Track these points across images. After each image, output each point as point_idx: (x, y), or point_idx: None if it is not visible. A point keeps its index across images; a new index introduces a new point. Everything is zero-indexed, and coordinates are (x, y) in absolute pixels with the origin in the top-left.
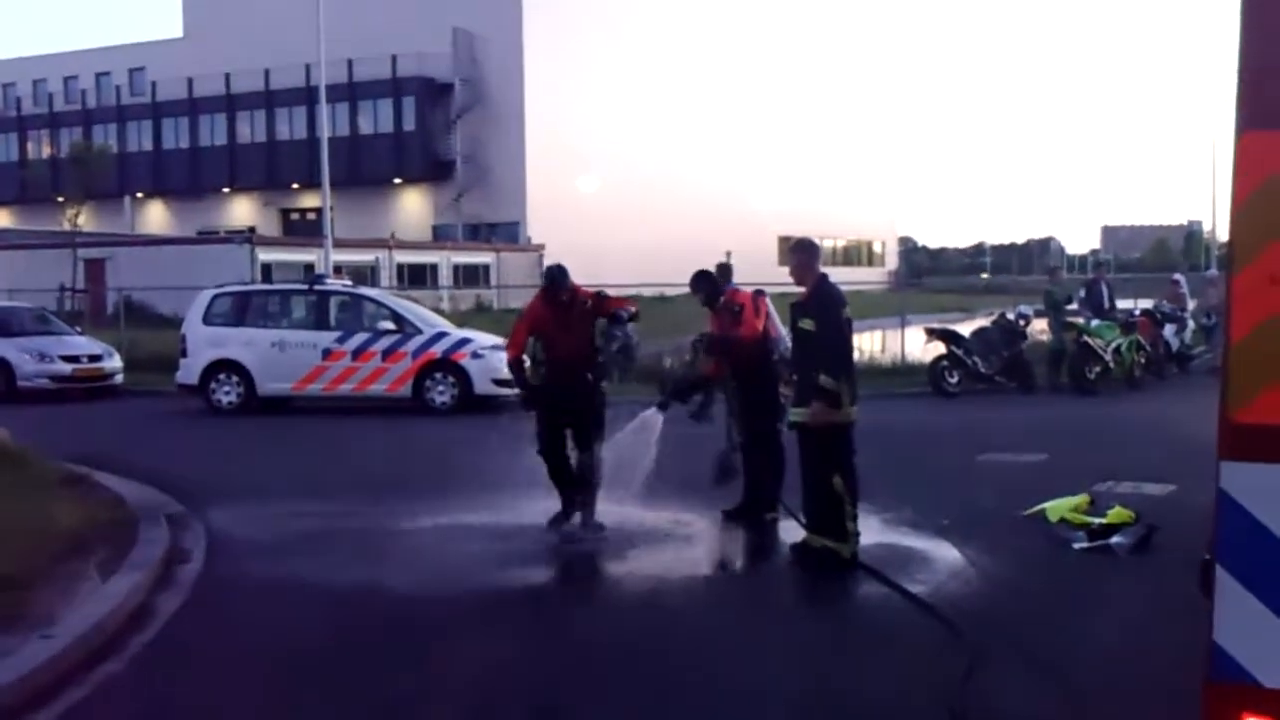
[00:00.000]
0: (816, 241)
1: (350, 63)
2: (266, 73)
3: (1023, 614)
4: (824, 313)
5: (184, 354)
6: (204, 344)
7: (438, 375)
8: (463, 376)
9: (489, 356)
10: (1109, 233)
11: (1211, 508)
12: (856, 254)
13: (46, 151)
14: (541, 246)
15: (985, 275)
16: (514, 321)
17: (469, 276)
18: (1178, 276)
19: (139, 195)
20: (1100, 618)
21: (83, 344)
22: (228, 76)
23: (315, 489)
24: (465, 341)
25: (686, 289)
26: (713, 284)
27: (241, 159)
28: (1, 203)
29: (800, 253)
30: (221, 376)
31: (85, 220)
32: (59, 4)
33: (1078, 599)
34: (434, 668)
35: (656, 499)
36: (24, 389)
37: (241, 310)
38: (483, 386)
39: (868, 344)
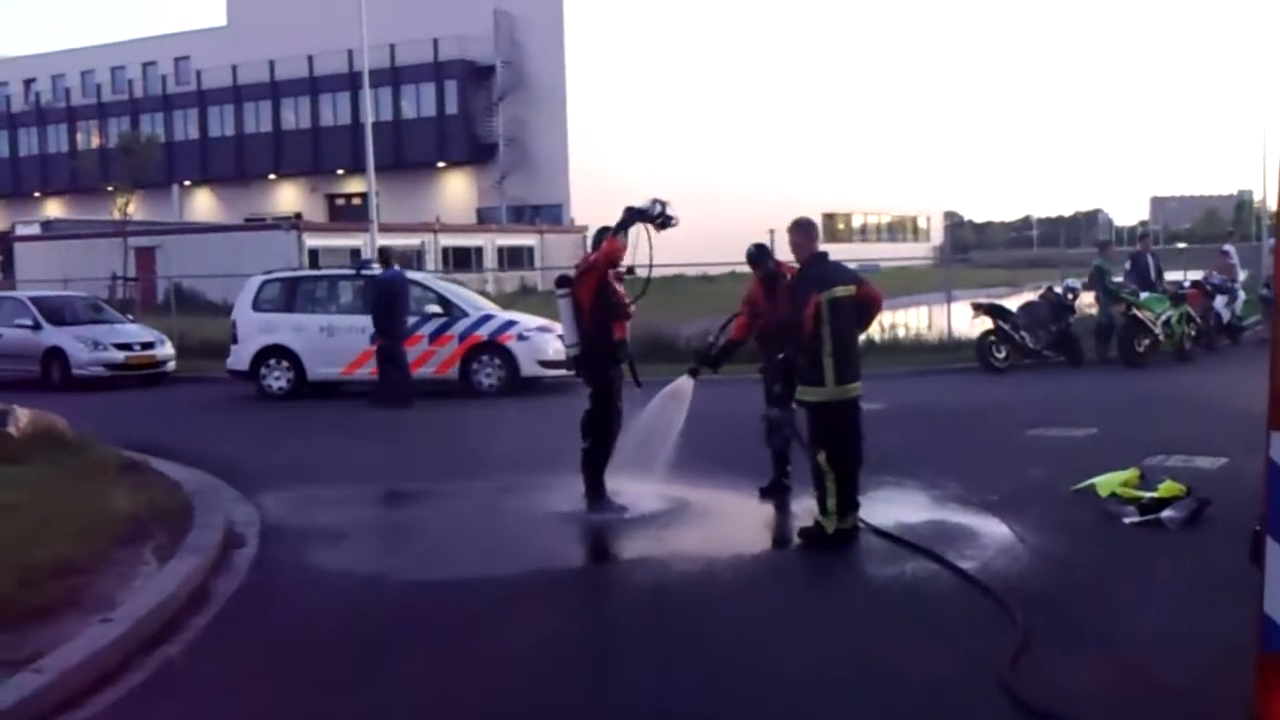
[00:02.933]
0: (813, 220)
1: (392, 47)
2: (310, 59)
3: (1073, 589)
4: (796, 293)
5: (234, 340)
6: (254, 330)
7: (484, 358)
8: (509, 358)
9: (534, 338)
10: (1158, 203)
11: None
12: (901, 229)
13: (96, 142)
14: (585, 228)
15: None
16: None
17: (513, 258)
18: (1227, 247)
19: (186, 183)
20: (1152, 592)
21: (135, 332)
22: (272, 64)
23: (367, 472)
24: (511, 324)
25: (729, 268)
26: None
27: (287, 145)
28: (53, 193)
29: (795, 231)
30: (272, 362)
31: (135, 209)
32: None
33: (1129, 574)
34: (485, 651)
35: (696, 473)
36: (79, 377)
37: (290, 296)
38: (529, 368)
39: (913, 320)
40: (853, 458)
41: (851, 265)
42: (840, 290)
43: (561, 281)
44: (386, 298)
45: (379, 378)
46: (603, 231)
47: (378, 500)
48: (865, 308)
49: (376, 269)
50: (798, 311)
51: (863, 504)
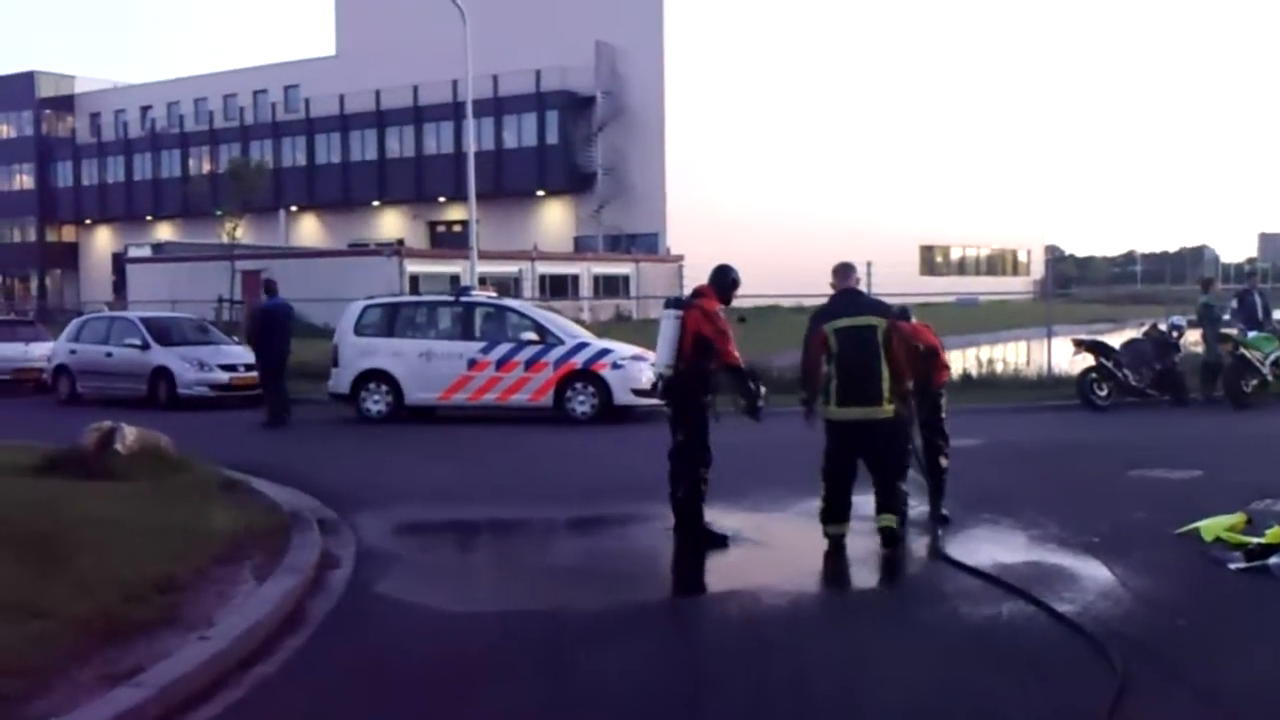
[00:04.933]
0: (850, 263)
1: (495, 78)
2: (415, 89)
3: (1175, 636)
4: (811, 324)
5: (335, 363)
6: (355, 354)
7: (578, 385)
8: (603, 386)
9: (629, 367)
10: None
11: None
12: (1000, 263)
13: (207, 167)
14: (681, 257)
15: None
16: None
17: (609, 287)
18: None
19: (293, 209)
20: (1258, 642)
21: (239, 353)
22: (378, 93)
23: (461, 497)
24: (606, 352)
25: (823, 300)
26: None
27: (390, 173)
28: (164, 217)
29: (832, 274)
30: (371, 385)
31: (242, 233)
32: (220, 26)
33: (1234, 622)
34: (577, 682)
35: (778, 502)
36: (184, 397)
37: (390, 321)
38: (622, 397)
39: (1012, 355)
40: (884, 469)
41: (949, 299)
42: (846, 321)
43: (675, 303)
44: (267, 324)
45: (264, 398)
46: (723, 270)
47: (470, 525)
48: (903, 340)
49: (476, 294)
50: (806, 340)
51: (948, 539)
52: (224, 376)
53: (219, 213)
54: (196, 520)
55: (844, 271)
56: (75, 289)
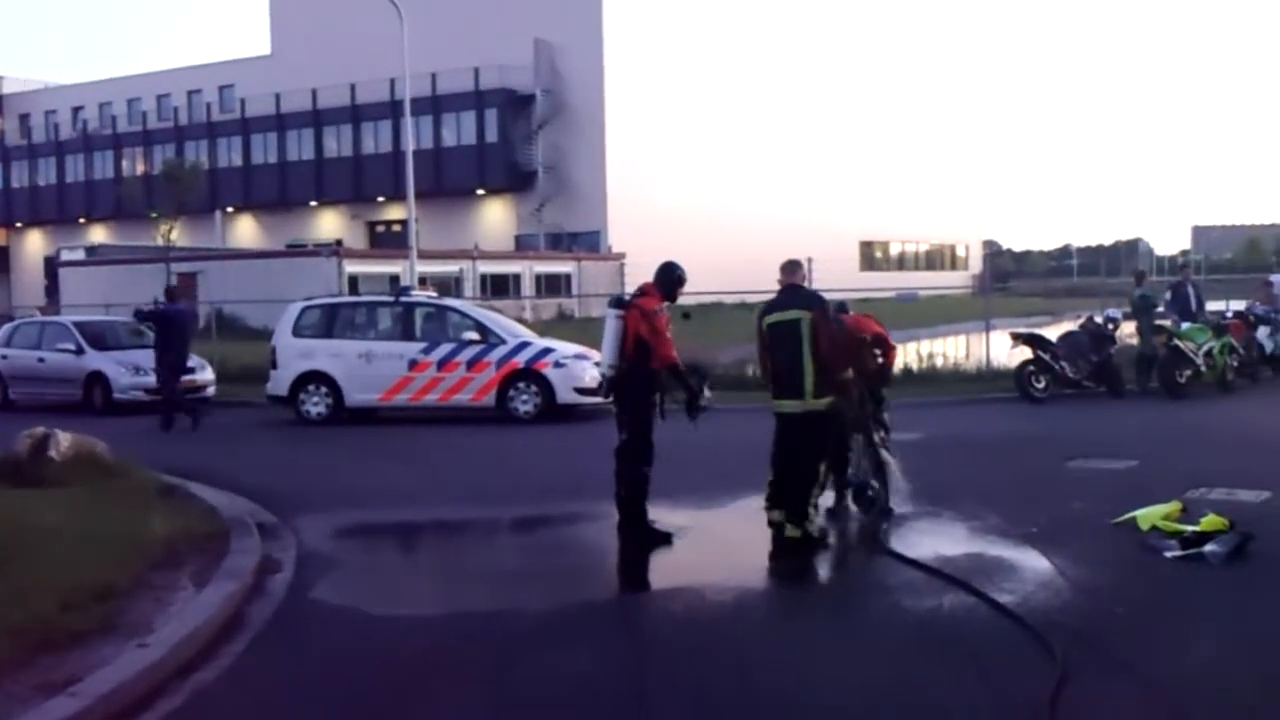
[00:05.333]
0: (796, 260)
1: (434, 76)
2: (352, 88)
3: (1114, 625)
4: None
5: (274, 366)
6: (293, 356)
7: (521, 384)
8: (545, 386)
9: (571, 365)
10: (1200, 233)
11: None
12: (939, 258)
13: (141, 168)
14: (622, 255)
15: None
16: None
17: (551, 286)
18: (1271, 277)
19: (229, 210)
20: (1194, 628)
21: None
22: (314, 92)
23: (403, 498)
24: (548, 351)
25: (765, 296)
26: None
27: (328, 173)
28: (98, 219)
29: (779, 269)
30: (310, 388)
31: (178, 235)
32: (152, 26)
33: (1171, 610)
34: (520, 683)
35: (723, 498)
36: (120, 401)
37: (330, 322)
38: (565, 395)
39: (952, 349)
40: (796, 468)
41: (888, 294)
42: (776, 315)
43: (618, 303)
44: (164, 329)
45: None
46: (668, 267)
47: (413, 527)
48: (835, 333)
49: (416, 295)
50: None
51: (891, 532)
52: None
53: (153, 215)
54: (134, 526)
55: (789, 268)
56: (6, 293)
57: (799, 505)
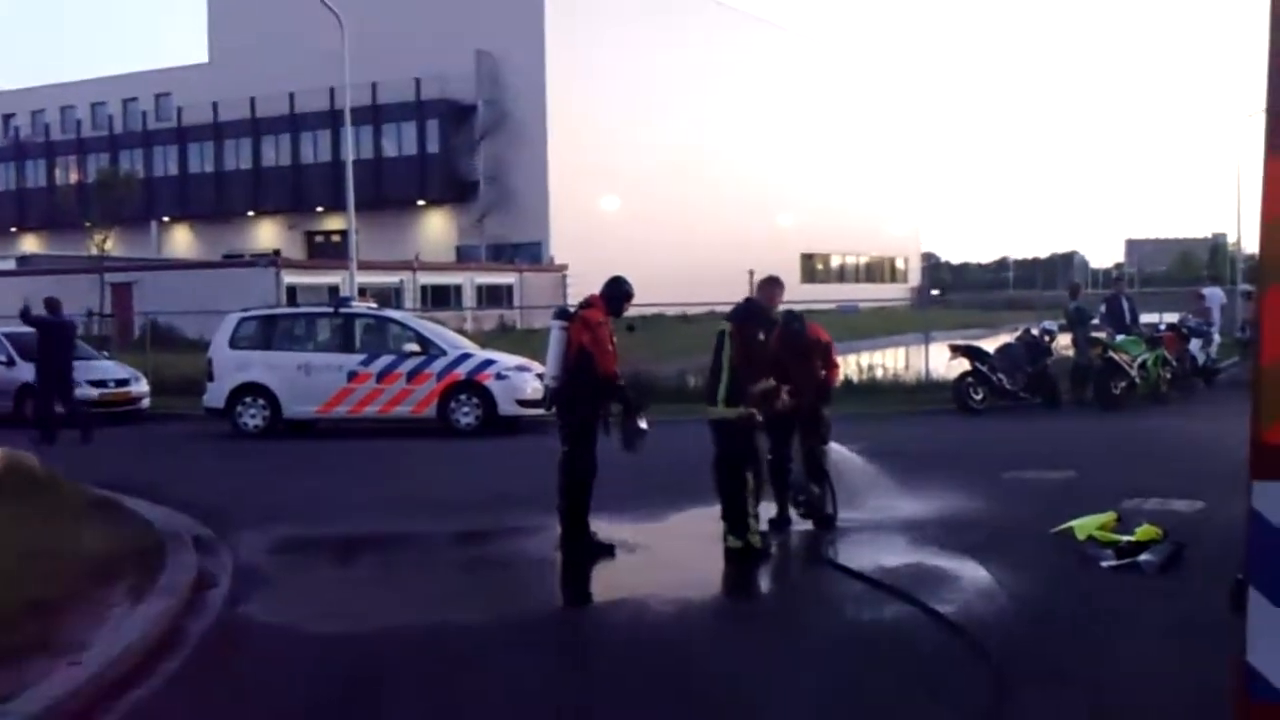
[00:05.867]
0: (770, 278)
1: (374, 86)
2: (291, 96)
3: (1051, 634)
4: None
5: (210, 377)
6: (230, 367)
7: (462, 396)
8: (487, 397)
9: (513, 377)
10: (1133, 246)
11: (1241, 525)
12: (879, 271)
13: (74, 177)
14: (564, 267)
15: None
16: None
17: (492, 297)
18: (1204, 291)
19: (165, 220)
20: (1130, 637)
21: (110, 368)
22: (253, 101)
23: (342, 512)
24: (489, 363)
25: (707, 308)
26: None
27: (266, 182)
28: (30, 228)
29: None
30: (248, 400)
31: (112, 245)
32: (86, 32)
33: (1107, 618)
34: (460, 698)
35: (666, 511)
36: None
37: (267, 334)
38: (507, 407)
39: (891, 361)
40: (719, 475)
41: (829, 306)
42: (722, 325)
43: (563, 315)
44: (45, 340)
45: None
46: (616, 281)
47: (352, 541)
48: (740, 348)
49: (356, 306)
50: None
51: (832, 543)
52: (93, 393)
53: (87, 224)
54: (68, 541)
55: (763, 284)
56: None
57: (737, 515)
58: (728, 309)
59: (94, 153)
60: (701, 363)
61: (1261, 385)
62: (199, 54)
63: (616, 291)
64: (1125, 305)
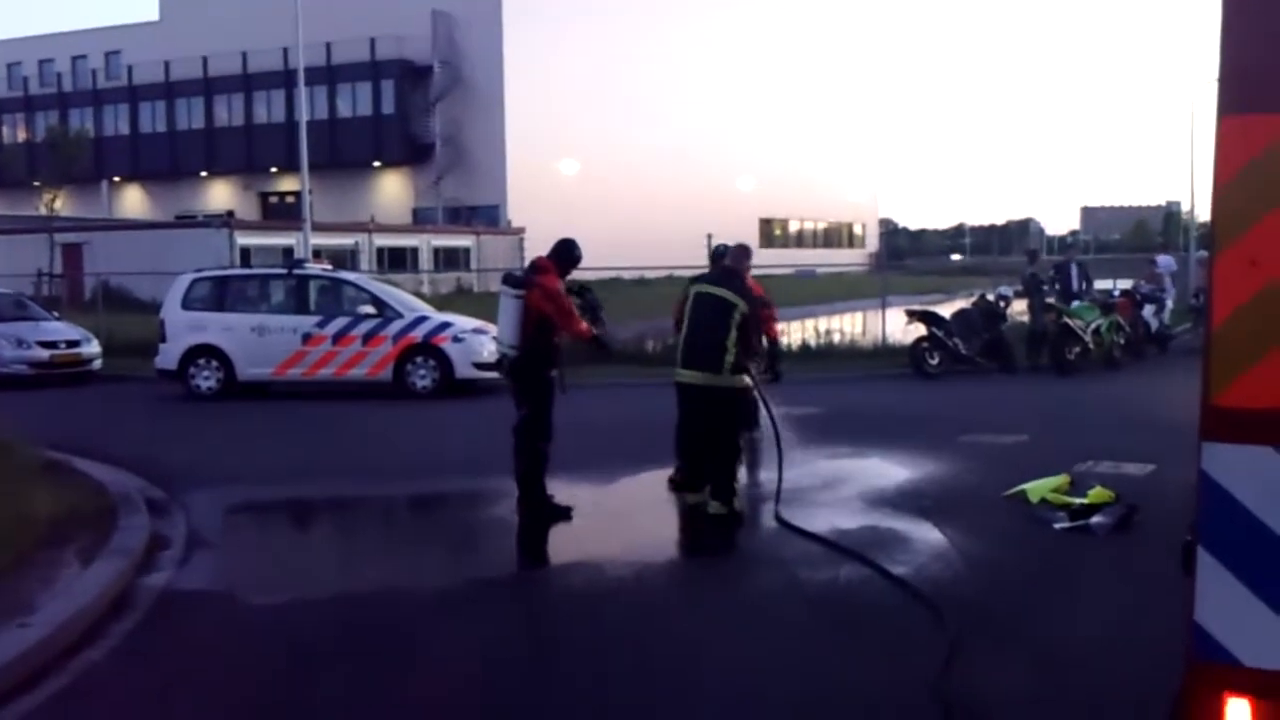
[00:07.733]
0: (748, 247)
1: (329, 46)
2: (244, 56)
3: (1004, 595)
4: None
5: (163, 339)
6: (183, 329)
7: (418, 359)
8: (443, 360)
9: (469, 340)
10: (1088, 213)
11: (1191, 488)
12: (837, 236)
13: (22, 136)
14: (522, 230)
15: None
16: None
17: (449, 260)
18: (1157, 258)
19: (116, 180)
20: (1081, 598)
21: (60, 329)
22: (205, 60)
23: (296, 475)
24: (446, 325)
25: (665, 271)
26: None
27: (219, 142)
28: None
29: None
30: (201, 361)
31: (62, 205)
32: None
33: (1059, 579)
34: (416, 660)
35: (622, 473)
36: (2, 375)
37: (221, 295)
38: (463, 370)
39: (848, 326)
40: (715, 443)
41: (787, 271)
42: (707, 287)
43: (514, 281)
44: None
45: None
46: (567, 244)
47: (306, 504)
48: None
49: (310, 267)
50: None
51: (778, 506)
52: (44, 354)
53: (36, 184)
54: (17, 504)
55: (738, 253)
56: None
57: (724, 481)
58: (687, 273)
59: (43, 110)
60: (661, 326)
61: (1212, 349)
62: (149, 11)
63: (569, 255)
64: (1075, 271)
